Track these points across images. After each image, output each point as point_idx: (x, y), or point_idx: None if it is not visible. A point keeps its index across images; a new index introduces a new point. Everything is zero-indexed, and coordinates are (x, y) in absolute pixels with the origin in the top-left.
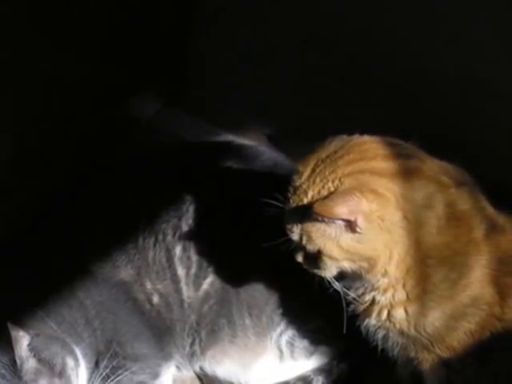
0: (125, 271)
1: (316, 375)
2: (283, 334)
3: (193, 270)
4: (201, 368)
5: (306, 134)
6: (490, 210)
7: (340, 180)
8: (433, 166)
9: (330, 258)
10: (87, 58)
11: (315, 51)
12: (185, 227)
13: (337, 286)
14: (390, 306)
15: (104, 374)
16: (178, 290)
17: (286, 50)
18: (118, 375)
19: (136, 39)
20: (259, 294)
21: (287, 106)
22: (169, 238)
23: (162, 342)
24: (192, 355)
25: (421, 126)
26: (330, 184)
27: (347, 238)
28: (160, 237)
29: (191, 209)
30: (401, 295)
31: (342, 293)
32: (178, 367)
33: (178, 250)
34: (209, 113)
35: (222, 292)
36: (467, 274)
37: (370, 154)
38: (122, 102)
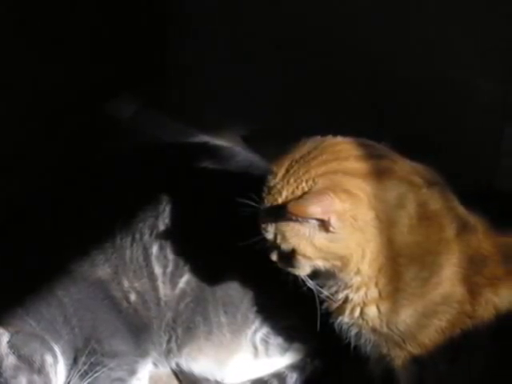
0: (102, 270)
1: (290, 372)
2: (258, 331)
3: (169, 269)
4: (177, 365)
5: (281, 136)
6: (461, 209)
7: (314, 180)
8: (404, 166)
9: (304, 256)
10: (69, 60)
11: (291, 53)
12: (161, 226)
13: (310, 284)
14: (362, 303)
15: (82, 370)
16: (155, 288)
17: (261, 52)
18: (96, 372)
19: (116, 41)
20: (234, 292)
21: (262, 108)
22: (146, 237)
23: (139, 339)
24: (168, 352)
25: (393, 127)
26: (303, 184)
27: (321, 237)
28: (137, 236)
29: (168, 208)
30: (373, 293)
31: (315, 291)
32: (154, 364)
33: (154, 248)
34: (185, 114)
35: (198, 290)
36: (438, 272)
37: (342, 155)
38: (102, 103)
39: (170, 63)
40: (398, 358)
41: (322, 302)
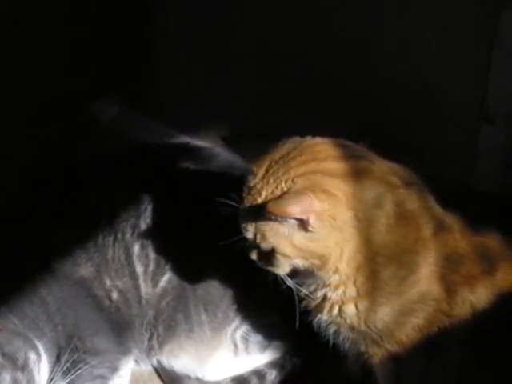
0: (85, 268)
1: (270, 369)
2: (238, 329)
3: (151, 268)
4: (158, 362)
5: (260, 136)
6: (438, 209)
7: (293, 180)
8: (382, 166)
9: (283, 255)
10: (48, 62)
11: (270, 54)
12: (143, 226)
13: (290, 282)
14: (340, 302)
15: (65, 367)
16: (137, 287)
17: (241, 53)
18: (79, 369)
19: (98, 42)
20: (215, 290)
21: (242, 109)
22: (127, 236)
23: (121, 336)
24: (150, 350)
25: (369, 127)
26: (283, 184)
27: (300, 237)
28: (119, 235)
29: (149, 208)
30: (351, 292)
31: (294, 289)
32: (136, 361)
33: (136, 248)
34: (166, 115)
35: (179, 288)
36: (415, 271)
37: (321, 156)
38: (83, 104)
39: (151, 64)
40: (376, 355)
41: (300, 300)
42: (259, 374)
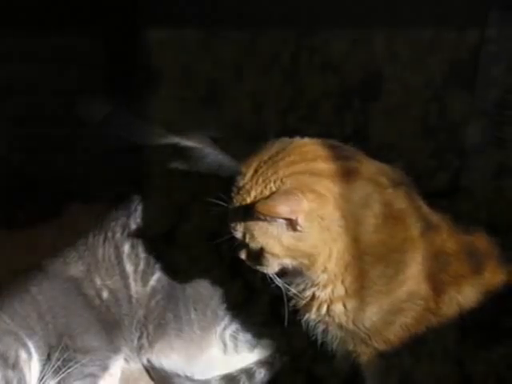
0: (75, 267)
1: (259, 368)
2: (227, 328)
3: (141, 267)
4: (148, 361)
5: (249, 137)
6: (426, 209)
7: (282, 180)
8: (370, 167)
9: (272, 255)
10: (38, 61)
11: (262, 54)
12: (133, 225)
13: (278, 281)
14: (329, 301)
15: (56, 366)
16: (127, 286)
17: (232, 54)
18: (69, 367)
19: (87, 42)
20: (204, 290)
21: (232, 111)
22: (118, 235)
23: (111, 335)
24: (140, 348)
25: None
26: (271, 184)
27: (288, 236)
28: (109, 234)
29: (139, 208)
30: (340, 291)
31: (283, 289)
32: (126, 360)
33: (126, 247)
34: (155, 116)
35: (169, 288)
36: (403, 270)
37: (310, 156)
38: (72, 104)
39: (140, 62)
40: (364, 354)
41: (289, 299)
42: (248, 372)
